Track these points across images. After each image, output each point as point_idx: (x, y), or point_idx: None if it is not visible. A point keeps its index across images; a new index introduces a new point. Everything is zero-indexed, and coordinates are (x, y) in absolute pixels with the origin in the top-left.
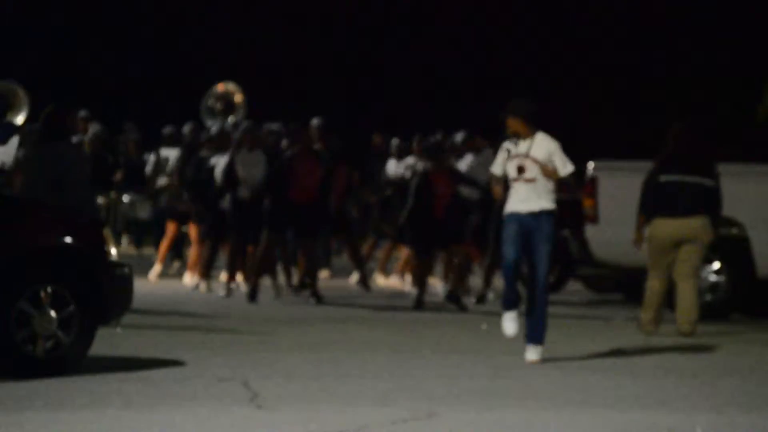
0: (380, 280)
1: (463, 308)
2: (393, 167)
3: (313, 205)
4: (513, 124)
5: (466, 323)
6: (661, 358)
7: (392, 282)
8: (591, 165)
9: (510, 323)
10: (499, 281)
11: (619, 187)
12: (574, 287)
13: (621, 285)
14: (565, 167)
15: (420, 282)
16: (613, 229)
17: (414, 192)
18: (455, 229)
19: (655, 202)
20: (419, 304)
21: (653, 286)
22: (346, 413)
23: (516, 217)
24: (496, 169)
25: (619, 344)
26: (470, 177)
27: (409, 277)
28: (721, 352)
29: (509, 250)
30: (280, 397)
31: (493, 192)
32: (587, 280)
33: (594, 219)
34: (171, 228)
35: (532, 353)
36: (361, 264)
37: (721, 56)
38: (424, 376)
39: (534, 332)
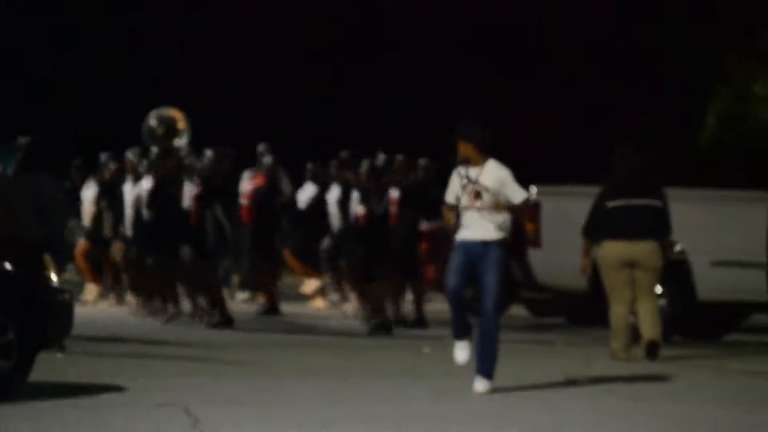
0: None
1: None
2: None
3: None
4: (464, 149)
5: (409, 347)
6: (602, 382)
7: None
8: (533, 189)
9: (460, 352)
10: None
11: (562, 212)
12: (517, 311)
13: (563, 309)
14: (516, 195)
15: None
16: (556, 253)
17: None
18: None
19: (603, 227)
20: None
21: (617, 312)
22: None
23: (464, 246)
24: (450, 197)
25: (561, 368)
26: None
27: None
28: (660, 374)
29: (452, 279)
30: (222, 423)
31: (446, 218)
32: (530, 304)
33: (536, 243)
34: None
35: (480, 385)
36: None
37: (666, 81)
38: (366, 400)
39: (483, 364)
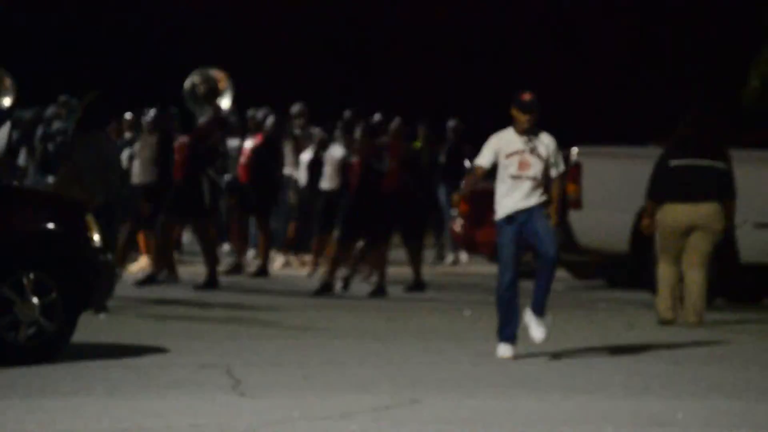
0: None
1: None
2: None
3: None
4: (531, 120)
5: (449, 310)
6: (643, 345)
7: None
8: (575, 150)
9: (504, 350)
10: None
11: (603, 173)
12: (558, 273)
13: (604, 271)
14: (556, 168)
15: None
16: (597, 215)
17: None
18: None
19: (665, 187)
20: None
21: (664, 273)
22: (329, 400)
23: (511, 221)
24: (483, 162)
25: (602, 331)
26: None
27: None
28: (703, 338)
29: (506, 275)
30: (263, 385)
31: (469, 180)
32: (571, 267)
33: (578, 205)
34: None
35: (538, 331)
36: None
37: (704, 40)
38: (407, 363)
39: (540, 306)
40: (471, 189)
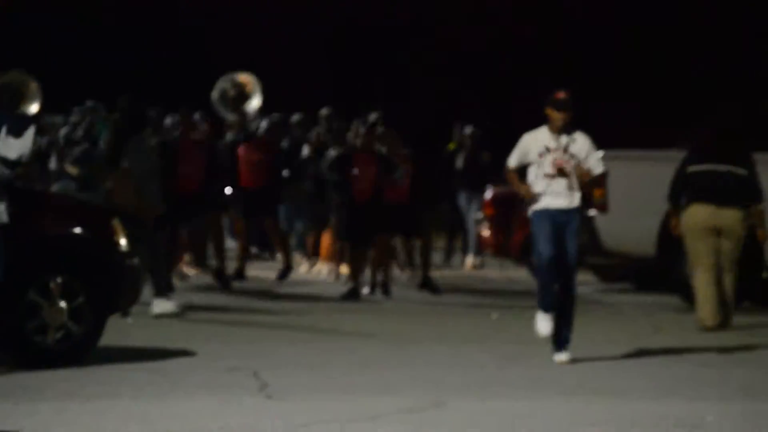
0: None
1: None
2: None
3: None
4: (565, 118)
5: (476, 313)
6: (670, 348)
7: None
8: (600, 154)
9: (544, 323)
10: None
11: (629, 177)
12: (584, 277)
13: (630, 274)
14: (598, 167)
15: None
16: (623, 219)
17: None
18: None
19: (686, 192)
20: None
21: (701, 279)
22: (355, 403)
23: (548, 214)
24: (512, 162)
25: (628, 334)
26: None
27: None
28: (731, 341)
29: (547, 249)
30: (290, 387)
31: (520, 189)
32: (597, 270)
33: (604, 208)
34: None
35: (562, 354)
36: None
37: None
38: (432, 365)
39: (565, 333)
40: (522, 186)
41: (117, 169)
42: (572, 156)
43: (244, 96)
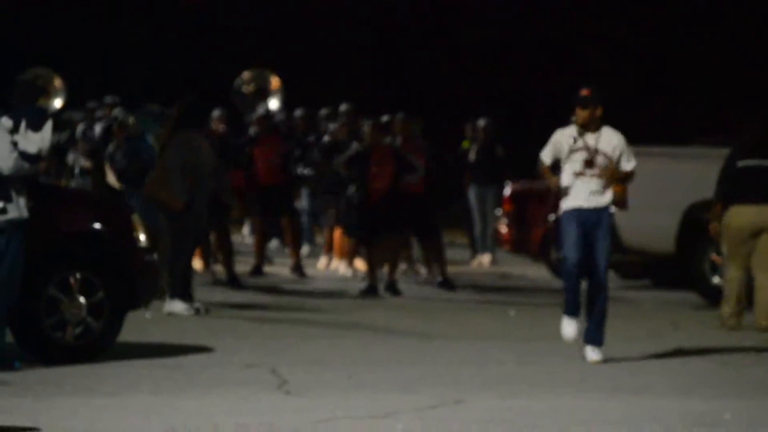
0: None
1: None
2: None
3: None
4: (593, 114)
5: (493, 310)
6: (689, 345)
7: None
8: (631, 151)
9: (569, 328)
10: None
11: (648, 173)
12: None
13: (650, 271)
14: (629, 163)
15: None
16: (643, 215)
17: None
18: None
19: (733, 189)
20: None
21: (731, 277)
22: (374, 400)
23: (577, 214)
24: (547, 157)
25: (647, 331)
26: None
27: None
28: (749, 339)
29: (572, 254)
30: (308, 384)
31: (550, 182)
32: (616, 266)
33: (623, 205)
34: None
35: (594, 354)
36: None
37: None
38: (450, 362)
39: (596, 333)
40: (553, 180)
41: (156, 164)
42: (602, 153)
43: (264, 93)
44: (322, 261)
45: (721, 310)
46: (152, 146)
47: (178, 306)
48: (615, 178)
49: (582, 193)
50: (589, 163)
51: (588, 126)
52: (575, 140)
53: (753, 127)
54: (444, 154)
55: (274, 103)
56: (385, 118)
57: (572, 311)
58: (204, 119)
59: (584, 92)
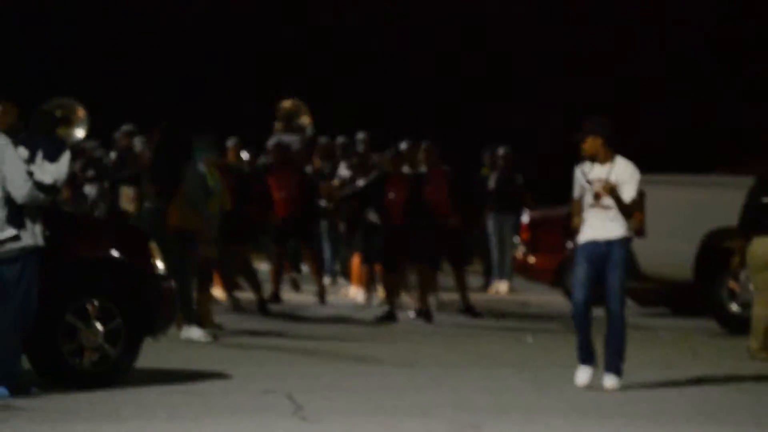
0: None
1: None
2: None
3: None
4: (592, 145)
5: (511, 337)
6: (708, 372)
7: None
8: (635, 182)
9: (583, 375)
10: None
11: (667, 201)
12: None
13: (667, 299)
14: (628, 193)
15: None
16: (661, 243)
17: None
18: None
19: (755, 222)
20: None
21: (759, 312)
22: (390, 426)
23: (587, 249)
24: (575, 194)
25: (666, 358)
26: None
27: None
28: (765, 365)
29: (579, 294)
30: (325, 410)
31: (572, 223)
32: (634, 294)
33: (641, 232)
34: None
35: (610, 381)
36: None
37: None
38: (468, 389)
39: (612, 361)
40: (575, 220)
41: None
42: (616, 185)
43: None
44: (353, 290)
45: (749, 343)
46: (203, 174)
47: (195, 332)
48: (614, 194)
49: (594, 225)
50: (598, 195)
51: (597, 158)
52: (584, 173)
53: None
54: (469, 182)
55: (80, 133)
56: (403, 146)
57: (584, 358)
58: (186, 144)
59: (585, 124)
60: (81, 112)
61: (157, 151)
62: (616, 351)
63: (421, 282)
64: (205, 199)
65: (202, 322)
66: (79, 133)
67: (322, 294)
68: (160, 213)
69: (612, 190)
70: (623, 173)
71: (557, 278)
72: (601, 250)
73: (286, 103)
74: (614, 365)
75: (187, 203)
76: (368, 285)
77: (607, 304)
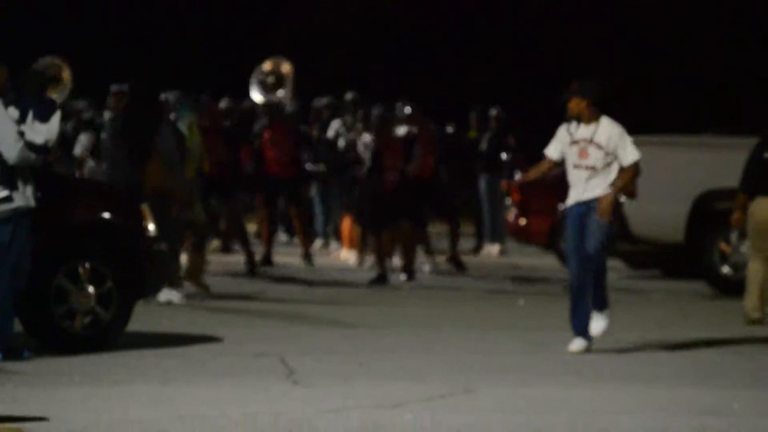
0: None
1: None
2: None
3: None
4: (577, 106)
5: (503, 299)
6: (699, 334)
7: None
8: (630, 142)
9: (577, 344)
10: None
11: (658, 162)
12: (613, 263)
13: (660, 261)
14: (627, 156)
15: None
16: (652, 205)
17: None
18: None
19: (758, 180)
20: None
21: (755, 269)
22: (383, 389)
23: (574, 212)
24: (552, 152)
25: (658, 320)
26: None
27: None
28: (760, 329)
29: (573, 264)
30: (317, 373)
31: (538, 167)
32: (626, 256)
33: (632, 195)
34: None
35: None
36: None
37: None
38: (460, 351)
39: (593, 299)
40: (534, 178)
41: (149, 154)
42: (598, 146)
43: (280, 83)
44: (344, 252)
45: (744, 302)
46: (183, 134)
47: (173, 295)
48: (612, 203)
49: (578, 186)
50: (583, 155)
51: (582, 118)
52: (570, 133)
53: None
54: (458, 141)
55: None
56: (377, 111)
57: (578, 329)
58: (156, 103)
59: (573, 83)
60: (66, 74)
61: (126, 111)
62: (596, 293)
63: (404, 239)
64: (181, 161)
65: (194, 280)
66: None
67: (307, 255)
68: (134, 174)
69: (610, 207)
70: (604, 134)
71: (549, 240)
72: (585, 210)
73: (267, 65)
74: (597, 303)
75: (165, 164)
76: (361, 247)
77: (584, 248)
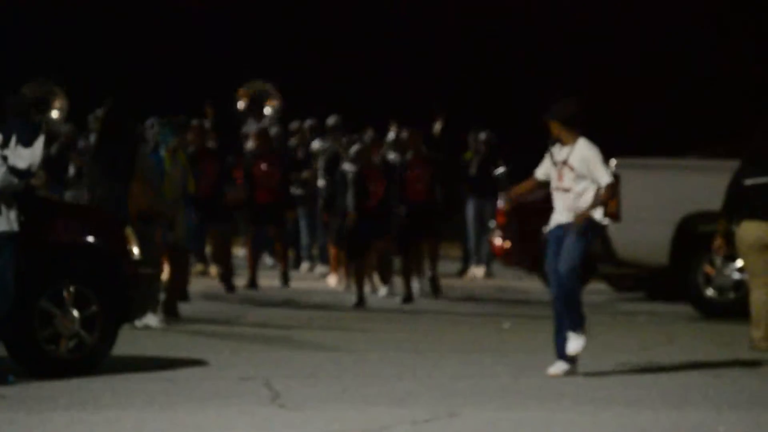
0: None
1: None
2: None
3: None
4: (553, 128)
5: (487, 323)
6: (684, 357)
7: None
8: (613, 162)
9: (558, 367)
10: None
11: (642, 185)
12: (597, 285)
13: (643, 283)
14: (601, 178)
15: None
16: (636, 227)
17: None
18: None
19: (739, 207)
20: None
21: (757, 298)
22: (368, 413)
23: (553, 235)
24: (538, 172)
25: (642, 343)
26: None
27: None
28: (743, 350)
29: (554, 286)
30: (302, 397)
31: (519, 186)
32: (610, 279)
33: (616, 217)
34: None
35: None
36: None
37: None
38: (445, 375)
39: (570, 322)
40: (518, 194)
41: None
42: (571, 168)
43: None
44: (332, 277)
45: (750, 333)
46: (160, 157)
47: (151, 320)
48: (586, 217)
49: (558, 208)
50: (560, 178)
51: (561, 140)
52: (551, 155)
53: (759, 142)
54: (450, 166)
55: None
56: (368, 136)
57: (562, 353)
58: (130, 124)
59: (552, 105)
60: (60, 103)
61: (102, 132)
62: (569, 314)
63: (379, 264)
64: (159, 183)
65: (169, 309)
66: (56, 117)
67: (285, 276)
68: (112, 197)
69: (582, 218)
70: (578, 156)
71: (534, 264)
72: (563, 233)
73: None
74: (571, 324)
75: (147, 186)
76: (347, 270)
77: (557, 266)
